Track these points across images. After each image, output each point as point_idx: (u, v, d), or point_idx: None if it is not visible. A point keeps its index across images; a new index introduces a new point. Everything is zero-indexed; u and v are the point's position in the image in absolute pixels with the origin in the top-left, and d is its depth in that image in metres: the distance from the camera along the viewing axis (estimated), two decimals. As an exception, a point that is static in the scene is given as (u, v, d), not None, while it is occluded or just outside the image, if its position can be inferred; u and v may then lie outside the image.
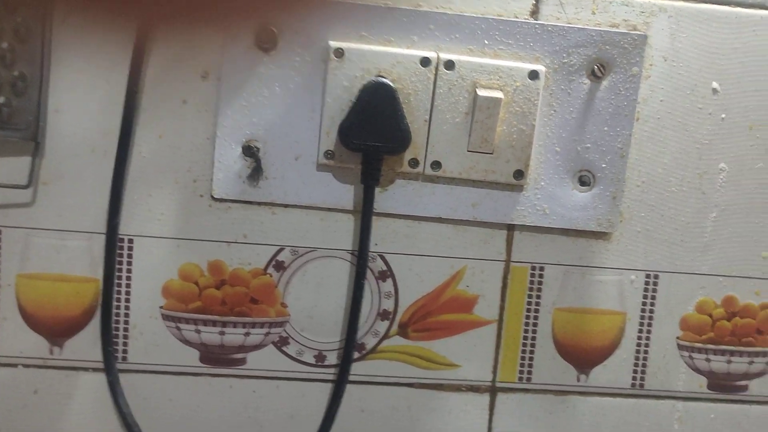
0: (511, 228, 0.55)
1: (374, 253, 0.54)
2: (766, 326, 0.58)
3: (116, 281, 0.52)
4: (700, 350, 0.58)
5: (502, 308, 0.56)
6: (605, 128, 0.54)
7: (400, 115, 0.50)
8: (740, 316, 0.58)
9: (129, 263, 0.52)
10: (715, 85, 0.55)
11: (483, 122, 0.51)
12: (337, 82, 0.51)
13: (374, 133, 0.50)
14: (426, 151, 0.52)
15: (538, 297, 0.56)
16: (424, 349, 0.56)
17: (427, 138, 0.52)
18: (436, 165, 0.52)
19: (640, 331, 0.57)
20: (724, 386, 0.58)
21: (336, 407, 0.54)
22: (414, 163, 0.52)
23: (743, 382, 0.59)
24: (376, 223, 0.54)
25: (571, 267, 0.56)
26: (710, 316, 0.57)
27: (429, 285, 0.55)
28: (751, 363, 0.58)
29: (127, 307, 0.53)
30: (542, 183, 0.54)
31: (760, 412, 0.59)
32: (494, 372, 0.57)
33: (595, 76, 0.53)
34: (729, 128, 0.56)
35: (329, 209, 0.54)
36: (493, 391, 0.57)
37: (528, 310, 0.56)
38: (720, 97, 0.55)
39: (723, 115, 0.55)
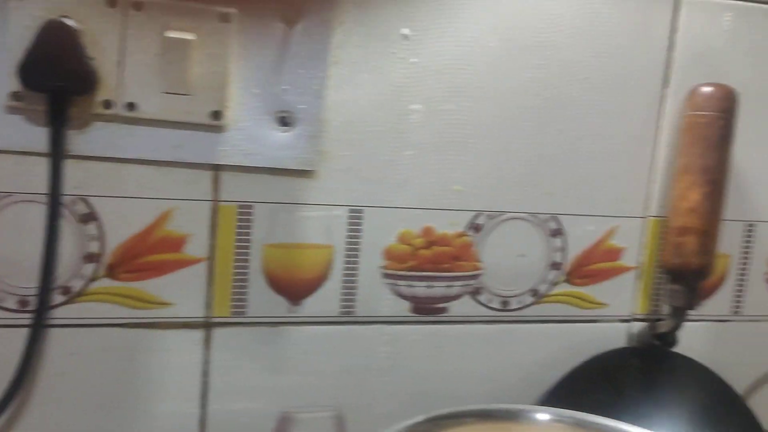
0: (216, 168, 0.57)
1: (75, 196, 0.54)
2: (461, 253, 0.64)
3: None
4: (403, 277, 0.63)
5: (212, 247, 0.58)
6: (301, 71, 0.56)
7: (83, 55, 0.50)
8: (438, 244, 0.63)
9: None
10: (405, 31, 0.59)
11: (175, 64, 0.52)
12: (19, 22, 0.50)
13: (57, 74, 0.50)
14: (120, 92, 0.52)
15: (248, 234, 0.58)
16: (136, 290, 0.57)
17: (120, 79, 0.52)
18: (132, 106, 0.53)
19: (347, 262, 0.61)
20: (425, 309, 0.64)
21: (32, 352, 0.54)
22: (108, 104, 0.53)
23: (443, 305, 0.64)
24: (77, 166, 0.54)
25: (278, 205, 0.59)
26: (411, 245, 0.62)
27: (136, 226, 0.56)
28: (449, 287, 0.64)
29: None
30: (243, 124, 0.56)
31: (457, 331, 0.65)
32: (208, 308, 0.59)
33: (288, 21, 0.55)
34: (420, 72, 0.60)
35: (23, 153, 0.53)
36: (207, 326, 0.59)
37: (238, 248, 0.59)
38: (411, 42, 0.59)
39: (414, 60, 0.60)
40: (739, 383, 0.73)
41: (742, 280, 0.73)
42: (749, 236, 0.72)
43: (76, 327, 0.56)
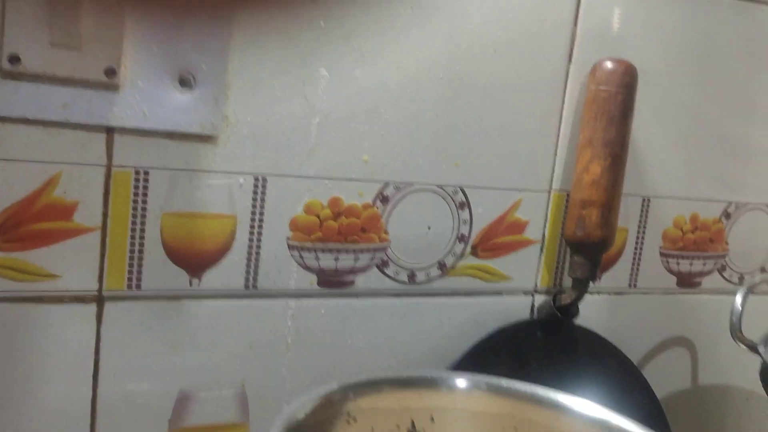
0: (110, 131, 0.53)
1: (-50, 158, 0.49)
2: (369, 225, 0.62)
3: None
4: (309, 249, 0.61)
5: (105, 215, 0.54)
6: (203, 28, 0.53)
7: (-42, -2, 0.45)
8: (346, 216, 0.61)
9: None
10: (313, -8, 0.57)
11: (64, 13, 0.48)
12: None
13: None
14: (1, 42, 0.48)
15: (144, 202, 0.55)
16: (19, 261, 0.52)
17: (2, 29, 0.48)
18: (15, 59, 0.49)
19: (251, 233, 0.59)
20: (332, 282, 0.62)
21: None
22: (-13, 56, 0.48)
23: (350, 278, 0.63)
24: (-49, 125, 0.49)
25: (177, 171, 0.56)
26: (318, 216, 0.60)
27: (19, 192, 0.52)
28: (356, 259, 0.63)
29: None
30: (140, 83, 0.53)
31: (364, 305, 0.64)
32: (100, 281, 0.55)
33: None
34: (328, 36, 0.58)
35: None
36: (99, 300, 0.55)
37: (134, 216, 0.55)
38: (318, 4, 0.57)
39: (322, 23, 0.58)
40: (634, 353, 0.75)
41: (638, 254, 0.75)
42: (646, 211, 0.74)
43: (-50, 302, 0.51)
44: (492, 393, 0.52)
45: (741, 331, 0.60)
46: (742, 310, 0.60)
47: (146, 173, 0.55)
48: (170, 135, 0.55)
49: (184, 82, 0.54)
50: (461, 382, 0.53)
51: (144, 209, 0.55)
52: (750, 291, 0.61)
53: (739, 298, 0.60)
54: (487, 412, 0.52)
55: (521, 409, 0.52)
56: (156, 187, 0.55)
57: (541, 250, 0.70)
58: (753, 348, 0.60)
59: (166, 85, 0.53)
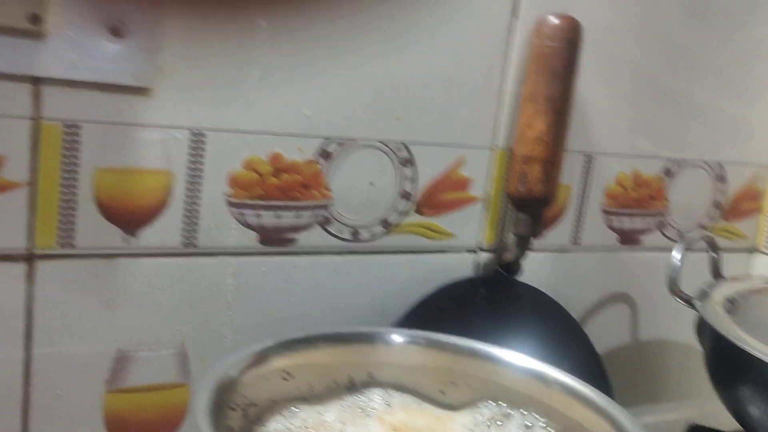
0: (36, 81, 0.51)
1: None
2: (311, 181, 0.61)
3: None
4: (250, 206, 0.60)
5: (33, 170, 0.52)
6: (134, -25, 0.51)
7: None
8: (287, 172, 0.60)
9: None
10: (250, -61, 0.55)
11: (-18, -45, 0.45)
12: None
13: None
14: None
15: (75, 157, 0.53)
16: (-59, 218, 0.50)
17: None
18: (-70, 3, 0.45)
19: (189, 190, 0.57)
20: (274, 240, 0.61)
21: None
22: None
23: (292, 236, 0.62)
24: None
25: (110, 125, 0.54)
26: (258, 173, 0.59)
27: (-60, 145, 0.49)
28: (298, 217, 0.62)
29: None
30: (68, 31, 0.50)
31: (307, 262, 0.63)
32: (30, 239, 0.53)
33: None
34: (267, -15, 0.56)
35: None
36: (30, 258, 0.53)
37: (65, 171, 0.53)
38: (256, -48, 0.55)
39: (260, -28, 0.56)
40: (576, 309, 0.76)
41: (580, 211, 0.76)
42: (588, 168, 0.75)
43: None
44: (430, 347, 0.52)
45: (678, 287, 0.61)
46: (680, 266, 0.61)
47: (77, 126, 0.53)
48: (102, 87, 0.53)
49: (116, 31, 0.52)
50: (398, 337, 0.53)
51: (75, 164, 0.53)
52: (688, 247, 0.61)
53: (677, 254, 0.61)
54: (425, 365, 0.52)
55: (459, 363, 0.52)
56: (88, 141, 0.53)
57: (485, 207, 0.70)
58: (689, 302, 0.61)
59: (96, 34, 0.51)
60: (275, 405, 0.47)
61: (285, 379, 0.48)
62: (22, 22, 0.48)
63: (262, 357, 0.46)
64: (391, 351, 0.52)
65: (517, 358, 0.51)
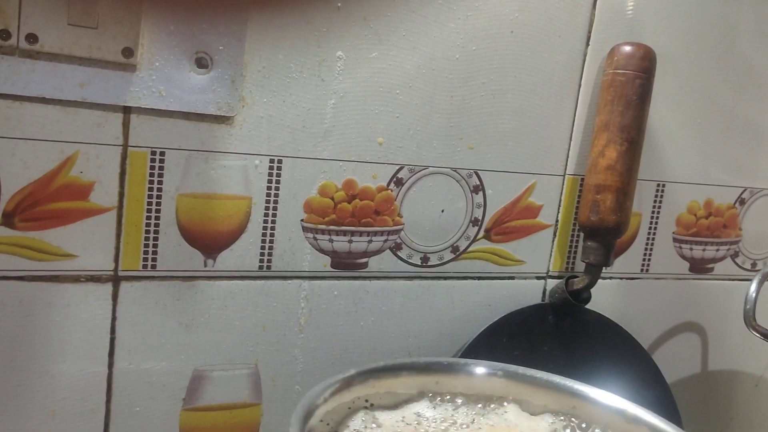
0: (127, 110, 0.53)
1: (-33, 136, 0.49)
2: (383, 207, 0.62)
3: None
4: (323, 231, 0.61)
5: (121, 195, 0.54)
6: (221, 9, 0.53)
7: (-24, -24, 0.45)
8: (360, 198, 0.61)
9: None
10: (330, -27, 0.56)
11: (82, -7, 0.48)
12: None
13: (-55, -4, 0.44)
14: (19, 21, 0.48)
15: (160, 183, 0.55)
16: (35, 240, 0.53)
17: (20, 7, 0.47)
18: (33, 38, 0.48)
19: (266, 215, 0.59)
20: (345, 264, 0.62)
21: None
22: (5, 35, 0.48)
23: (363, 260, 0.63)
24: (-31, 103, 0.49)
25: (193, 152, 0.55)
26: (332, 198, 0.60)
27: (36, 172, 0.52)
28: (370, 242, 0.63)
29: None
30: (157, 63, 0.52)
31: (377, 287, 0.64)
32: (116, 260, 0.55)
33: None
34: (345, 17, 0.58)
35: None
36: (115, 280, 0.55)
37: (150, 197, 0.55)
38: (336, -15, 0.57)
39: (339, 4, 0.57)
40: (645, 338, 0.75)
41: (651, 238, 0.75)
42: (660, 196, 0.74)
43: (-32, 280, 0.51)
44: (508, 379, 0.52)
45: (755, 320, 0.60)
46: (756, 298, 0.60)
47: (162, 153, 0.55)
48: (186, 115, 0.55)
49: (201, 63, 0.54)
50: (479, 369, 0.53)
51: (159, 190, 0.55)
52: (765, 279, 0.60)
53: (753, 287, 0.60)
54: (505, 397, 0.52)
55: (538, 396, 0.52)
56: (172, 168, 0.55)
57: (554, 234, 0.70)
58: (767, 336, 0.59)
59: (183, 66, 0.53)
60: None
61: (366, 407, 0.49)
62: (117, 56, 0.50)
63: (347, 384, 0.47)
64: (471, 380, 0.53)
65: (596, 393, 0.51)
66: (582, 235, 0.69)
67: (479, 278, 0.68)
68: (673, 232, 0.76)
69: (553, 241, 0.70)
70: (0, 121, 0.50)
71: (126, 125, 0.53)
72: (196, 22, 0.52)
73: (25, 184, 0.51)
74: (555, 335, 0.69)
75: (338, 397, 0.46)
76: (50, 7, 0.48)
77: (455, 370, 0.52)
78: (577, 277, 0.69)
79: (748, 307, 0.60)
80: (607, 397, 0.51)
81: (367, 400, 0.48)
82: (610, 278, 0.74)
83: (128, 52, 0.51)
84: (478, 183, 0.65)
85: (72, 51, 0.50)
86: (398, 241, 0.64)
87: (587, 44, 0.67)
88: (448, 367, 0.52)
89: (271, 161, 0.58)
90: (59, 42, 0.49)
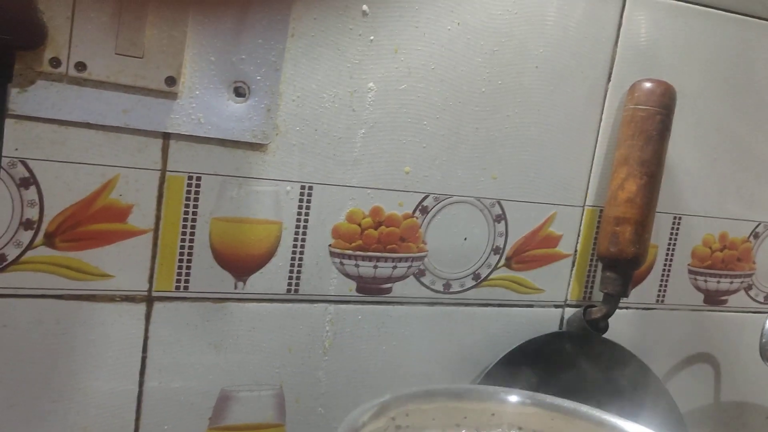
0: (166, 137, 0.55)
1: (14, 159, 0.51)
2: (408, 234, 0.64)
3: None
4: (350, 257, 0.62)
5: (158, 218, 0.56)
6: (259, 41, 0.55)
7: (32, 7, 0.47)
8: (386, 225, 0.63)
9: None
10: (364, 7, 0.58)
11: (130, 24, 0.50)
12: (-38, -33, 0.46)
13: (2, 26, 0.46)
14: (69, 50, 0.50)
15: (195, 207, 0.57)
16: (74, 260, 0.54)
17: (70, 36, 0.49)
18: (81, 66, 0.50)
19: (295, 239, 0.60)
20: (370, 289, 0.64)
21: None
22: (55, 62, 0.50)
23: (387, 285, 0.64)
24: (17, 127, 0.51)
25: (228, 177, 0.57)
26: (359, 225, 0.62)
27: (78, 194, 0.53)
28: (394, 268, 0.64)
29: None
30: (197, 92, 0.54)
31: (400, 312, 0.65)
32: (150, 281, 0.57)
33: (248, -12, 0.53)
34: (377, 50, 0.60)
35: (-42, 109, 0.49)
36: (149, 300, 0.57)
37: (185, 220, 0.57)
38: (369, 19, 0.59)
39: (372, 37, 0.59)
40: (659, 367, 0.77)
41: (667, 270, 0.77)
42: (676, 229, 0.76)
43: (9, 297, 0.53)
44: (537, 407, 0.53)
45: (771, 352, 0.61)
46: (771, 331, 0.61)
47: (198, 178, 0.56)
48: (223, 142, 0.56)
49: (239, 92, 0.55)
50: (512, 397, 0.54)
51: (195, 213, 0.57)
52: (781, 312, 0.62)
53: (769, 320, 0.62)
54: (533, 423, 0.53)
55: (569, 425, 0.53)
56: (207, 192, 0.57)
57: (573, 264, 0.72)
58: (782, 369, 0.61)
59: (221, 94, 0.55)
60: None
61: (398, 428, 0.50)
62: (160, 84, 0.52)
63: (383, 409, 0.48)
64: (504, 408, 0.54)
65: (620, 422, 0.52)
66: (599, 265, 0.70)
67: (499, 305, 0.69)
68: (689, 264, 0.77)
69: (571, 270, 0.72)
70: (46, 145, 0.52)
71: (165, 150, 0.55)
72: (236, 53, 0.54)
73: (67, 206, 0.53)
74: (572, 363, 0.70)
75: (375, 422, 0.47)
76: (99, 37, 0.50)
77: (486, 397, 0.53)
78: (595, 306, 0.70)
79: (764, 340, 0.61)
80: (629, 426, 0.52)
81: (398, 426, 0.49)
82: (626, 308, 0.75)
83: (171, 81, 0.53)
84: (500, 212, 0.67)
85: (118, 79, 0.51)
86: (422, 267, 0.65)
87: (608, 80, 0.69)
88: (481, 394, 0.53)
89: (302, 187, 0.60)
90: (106, 70, 0.51)
